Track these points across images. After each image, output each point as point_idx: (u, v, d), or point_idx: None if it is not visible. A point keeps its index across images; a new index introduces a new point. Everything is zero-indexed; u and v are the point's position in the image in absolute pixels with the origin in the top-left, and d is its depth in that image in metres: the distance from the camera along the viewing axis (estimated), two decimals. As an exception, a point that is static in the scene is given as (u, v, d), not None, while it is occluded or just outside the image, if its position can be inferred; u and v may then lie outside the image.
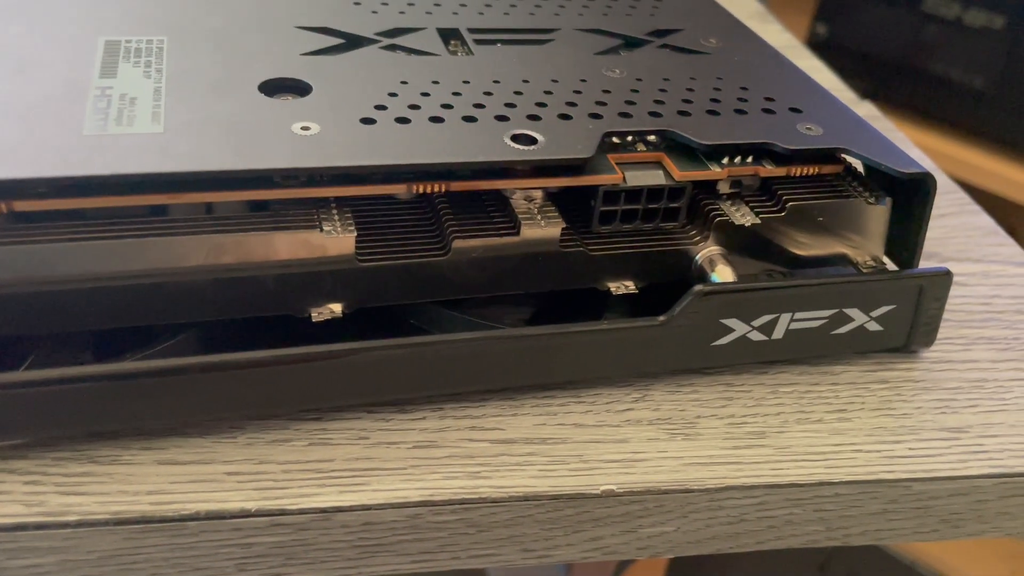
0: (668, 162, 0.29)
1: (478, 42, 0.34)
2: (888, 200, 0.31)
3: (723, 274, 0.29)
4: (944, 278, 0.30)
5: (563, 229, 0.28)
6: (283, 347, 0.25)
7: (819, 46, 0.95)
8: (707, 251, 0.30)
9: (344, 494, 0.25)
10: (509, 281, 0.29)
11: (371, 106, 0.28)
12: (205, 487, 0.24)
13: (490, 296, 0.29)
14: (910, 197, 0.31)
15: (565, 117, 0.29)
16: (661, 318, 0.28)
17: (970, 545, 0.90)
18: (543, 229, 0.28)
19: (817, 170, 0.31)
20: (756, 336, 0.29)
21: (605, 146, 0.29)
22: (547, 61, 0.33)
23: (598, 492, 0.26)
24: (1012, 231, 0.42)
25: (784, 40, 0.58)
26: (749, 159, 0.30)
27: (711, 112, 0.31)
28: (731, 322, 0.29)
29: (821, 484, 0.27)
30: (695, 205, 0.30)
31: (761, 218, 0.30)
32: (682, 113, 0.31)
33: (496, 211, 0.29)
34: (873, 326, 0.31)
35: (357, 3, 0.36)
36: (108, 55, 0.30)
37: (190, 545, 0.24)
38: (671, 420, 0.28)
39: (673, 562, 0.83)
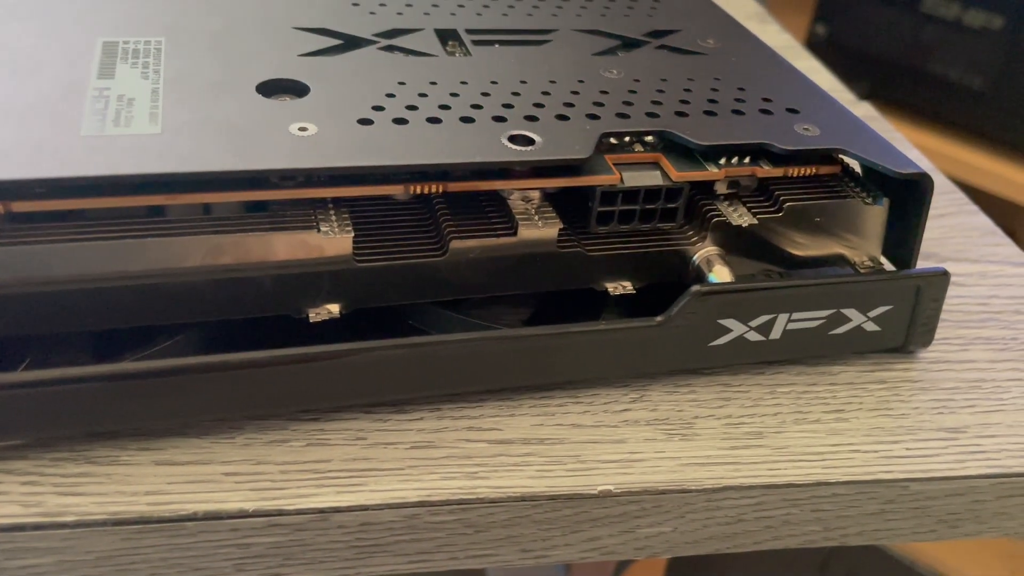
0: (665, 163, 0.29)
1: (476, 43, 0.34)
2: (885, 200, 0.31)
3: (720, 274, 0.29)
4: (942, 278, 0.30)
5: (560, 230, 0.28)
6: (281, 348, 0.25)
7: (818, 47, 0.95)
8: (704, 251, 0.30)
9: (342, 494, 0.25)
10: (507, 282, 0.29)
11: (369, 107, 0.28)
12: (203, 487, 0.24)
13: (488, 296, 0.29)
14: (907, 197, 0.31)
15: (562, 118, 0.29)
16: (659, 318, 0.28)
17: (969, 545, 0.90)
18: (540, 230, 0.28)
19: (815, 171, 0.31)
20: (754, 336, 0.29)
21: (602, 147, 0.29)
22: (545, 62, 0.33)
23: (596, 492, 0.26)
24: (1010, 231, 0.42)
25: (783, 41, 0.58)
26: (747, 160, 0.30)
27: (709, 113, 0.31)
28: (729, 322, 0.29)
29: (819, 484, 0.27)
30: (692, 205, 0.30)
31: (759, 218, 0.30)
32: (680, 114, 0.31)
33: (493, 212, 0.29)
34: (871, 326, 0.31)
35: (355, 4, 0.36)
36: (106, 56, 0.30)
37: (188, 545, 0.24)
38: (669, 420, 0.28)
39: (672, 562, 0.83)
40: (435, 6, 0.37)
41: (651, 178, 0.29)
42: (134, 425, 0.25)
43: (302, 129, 0.26)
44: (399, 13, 0.36)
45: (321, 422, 0.27)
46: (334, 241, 0.26)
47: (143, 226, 0.25)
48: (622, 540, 0.27)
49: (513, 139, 0.28)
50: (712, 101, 0.32)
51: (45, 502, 0.23)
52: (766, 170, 0.30)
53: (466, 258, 0.28)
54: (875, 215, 0.31)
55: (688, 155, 0.30)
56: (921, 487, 0.28)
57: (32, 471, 0.24)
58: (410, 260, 0.27)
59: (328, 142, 0.26)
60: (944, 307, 0.31)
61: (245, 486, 0.25)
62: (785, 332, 0.30)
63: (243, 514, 0.24)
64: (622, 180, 0.28)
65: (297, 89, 0.29)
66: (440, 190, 0.27)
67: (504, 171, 0.28)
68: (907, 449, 0.28)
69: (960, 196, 0.43)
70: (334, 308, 0.27)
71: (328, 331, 0.27)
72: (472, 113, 0.29)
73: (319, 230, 0.26)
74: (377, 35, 0.34)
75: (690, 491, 0.26)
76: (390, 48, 0.33)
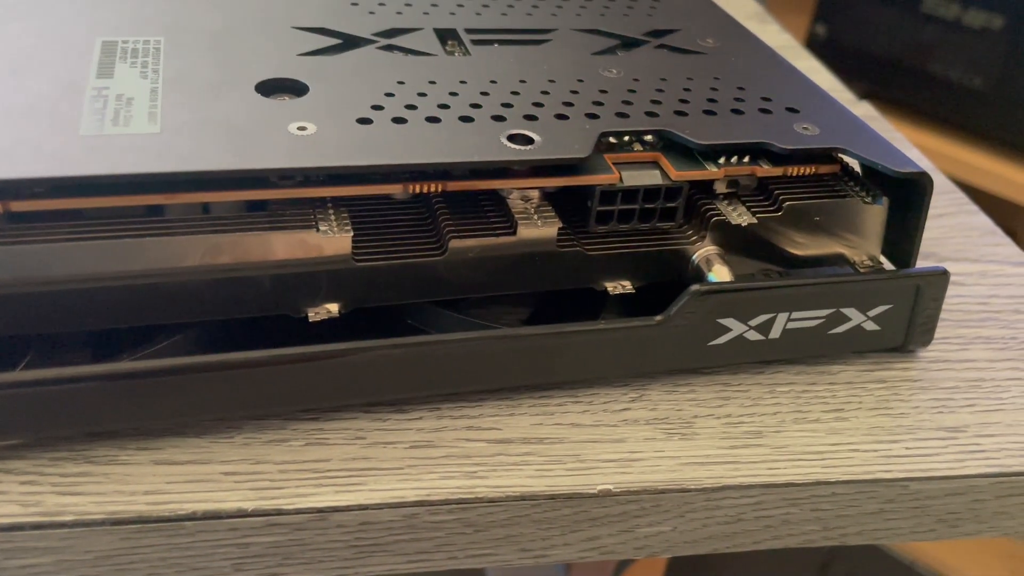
0: (665, 162, 0.29)
1: (475, 42, 0.34)
2: (885, 200, 0.31)
3: (720, 274, 0.29)
4: (941, 278, 0.30)
5: (560, 229, 0.28)
6: (280, 347, 0.25)
7: (818, 46, 0.95)
8: (704, 251, 0.30)
9: (341, 494, 0.25)
10: (506, 281, 0.29)
11: (368, 106, 0.28)
12: (202, 487, 0.24)
13: (487, 296, 0.30)
14: (907, 197, 0.31)
15: (562, 117, 0.29)
16: (658, 318, 0.28)
17: (969, 545, 0.90)
18: (540, 229, 0.28)
19: (814, 170, 0.31)
20: (753, 336, 0.29)
21: (602, 146, 0.29)
22: (544, 61, 0.33)
23: (595, 492, 0.26)
24: (1010, 231, 0.42)
25: (783, 40, 0.58)
26: (746, 159, 0.30)
27: (708, 112, 0.31)
28: (728, 322, 0.29)
29: (818, 484, 0.27)
30: (692, 205, 0.30)
31: (758, 218, 0.30)
32: (679, 113, 0.31)
33: (493, 211, 0.29)
34: (870, 326, 0.31)
35: (354, 3, 0.36)
36: (105, 55, 0.30)
37: (187, 545, 0.24)
38: (668, 420, 0.28)
39: (672, 562, 0.83)
40: (434, 5, 0.37)
41: (650, 177, 0.29)
42: (133, 425, 0.25)
43: (301, 128, 0.26)
44: (398, 12, 0.36)
45: (320, 422, 0.27)
46: (333, 240, 0.26)
47: (142, 226, 0.25)
48: (621, 540, 0.27)
49: (512, 138, 0.28)
50: (712, 100, 0.32)
51: (44, 501, 0.23)
52: (765, 169, 0.30)
53: (465, 257, 0.28)
54: (875, 214, 0.31)
55: (687, 154, 0.30)
56: (921, 486, 0.28)
57: (31, 471, 0.24)
58: (409, 259, 0.27)
59: (327, 141, 0.26)
60: (944, 307, 0.31)
61: (244, 486, 0.25)
62: (784, 331, 0.30)
63: (242, 513, 0.24)
64: (621, 179, 0.28)
65: (296, 88, 0.29)
66: (439, 189, 0.27)
67: (503, 170, 0.28)
68: (907, 448, 0.28)
69: (960, 196, 0.43)
70: (333, 307, 0.27)
71: (327, 331, 0.27)
72: (471, 112, 0.29)
73: (318, 229, 0.26)
74: (376, 34, 0.34)
75: (689, 490, 0.26)
76: (389, 47, 0.33)
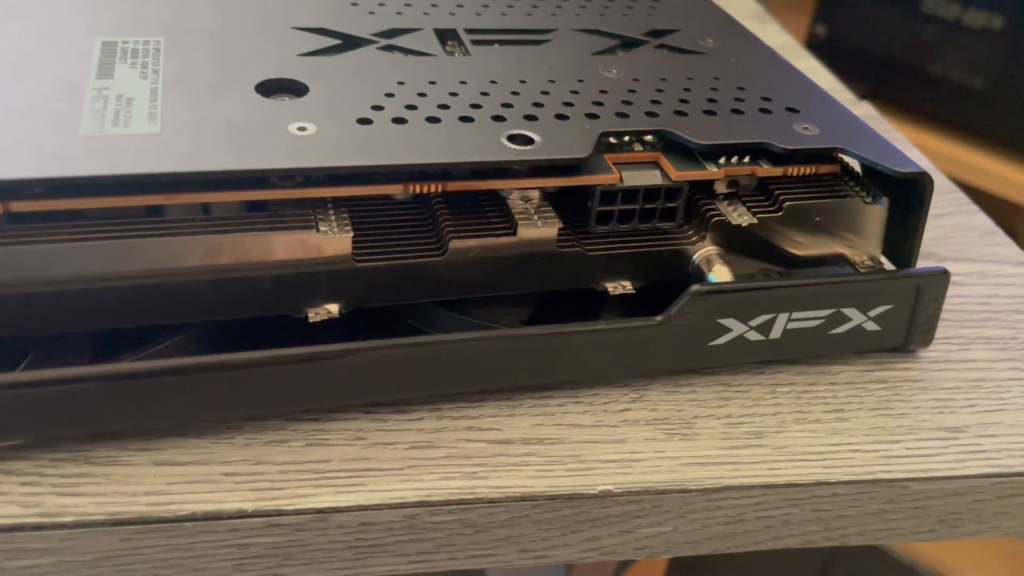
0: (665, 162, 0.29)
1: (475, 42, 0.34)
2: (885, 200, 0.31)
3: (720, 274, 0.29)
4: (942, 278, 0.30)
5: (560, 229, 0.28)
6: (280, 348, 0.25)
7: (818, 47, 0.95)
8: (704, 251, 0.30)
9: (341, 495, 0.25)
10: (506, 281, 0.29)
11: (368, 106, 0.28)
12: (202, 488, 0.24)
13: (487, 296, 0.29)
14: (907, 197, 0.31)
15: (562, 117, 0.29)
16: (658, 318, 0.28)
17: (969, 545, 0.90)
18: (540, 229, 0.28)
19: (814, 170, 0.31)
20: (753, 336, 0.29)
21: (602, 146, 0.29)
22: (544, 61, 0.33)
23: (595, 492, 0.26)
24: (1010, 231, 0.42)
25: (783, 40, 0.58)
26: (746, 159, 0.30)
27: (708, 112, 0.31)
28: (728, 322, 0.29)
29: (819, 484, 0.27)
30: (692, 205, 0.30)
31: (758, 218, 0.30)
32: (679, 113, 0.31)
33: (493, 211, 0.29)
34: (871, 326, 0.31)
35: (354, 4, 0.36)
36: (105, 56, 0.30)
37: (187, 546, 0.24)
38: (668, 420, 0.28)
39: (672, 563, 0.83)
40: (434, 6, 0.37)
41: (650, 177, 0.29)
42: (134, 425, 0.25)
43: (301, 129, 0.26)
44: (398, 13, 0.36)
45: (321, 422, 0.27)
46: (333, 241, 0.26)
47: (142, 226, 0.25)
48: (622, 540, 0.27)
49: (512, 138, 0.28)
50: (712, 100, 0.32)
51: (44, 502, 0.23)
52: (766, 169, 0.30)
53: (465, 258, 0.28)
54: (875, 214, 0.31)
55: (688, 154, 0.30)
56: (921, 487, 0.28)
57: (31, 471, 0.24)
58: (409, 260, 0.27)
59: (327, 142, 0.26)
60: (944, 307, 0.31)
61: (244, 486, 0.25)
62: (785, 331, 0.30)
63: (242, 514, 0.24)
64: (621, 179, 0.28)
65: (296, 89, 0.29)
66: (439, 189, 0.27)
67: (503, 170, 0.28)
68: (907, 449, 0.28)
69: (960, 196, 0.43)
70: (333, 308, 0.27)
71: (327, 331, 0.27)
72: (471, 112, 0.29)
73: (318, 230, 0.26)
74: (376, 35, 0.34)
75: (690, 491, 0.26)
76: (389, 48, 0.33)
